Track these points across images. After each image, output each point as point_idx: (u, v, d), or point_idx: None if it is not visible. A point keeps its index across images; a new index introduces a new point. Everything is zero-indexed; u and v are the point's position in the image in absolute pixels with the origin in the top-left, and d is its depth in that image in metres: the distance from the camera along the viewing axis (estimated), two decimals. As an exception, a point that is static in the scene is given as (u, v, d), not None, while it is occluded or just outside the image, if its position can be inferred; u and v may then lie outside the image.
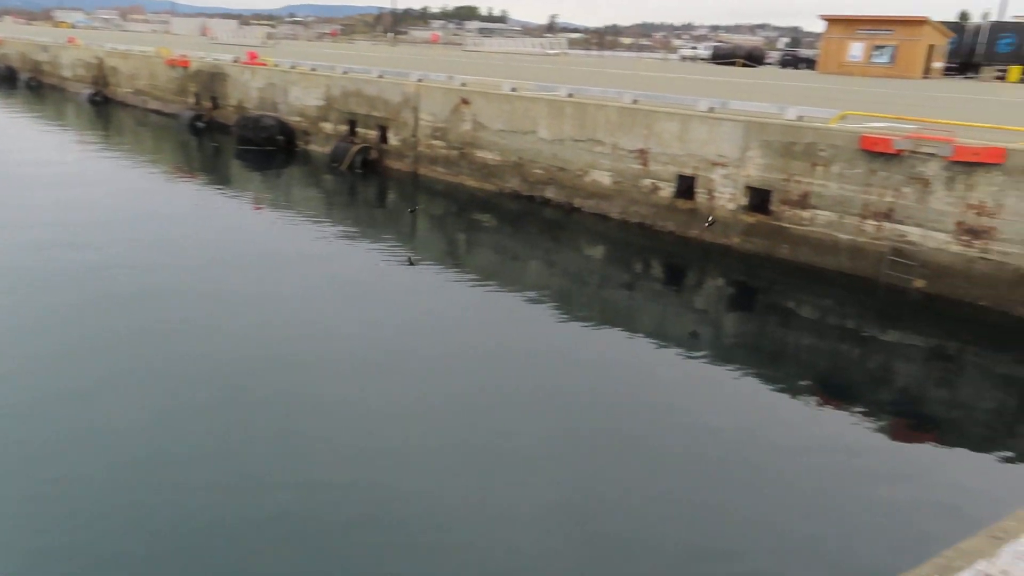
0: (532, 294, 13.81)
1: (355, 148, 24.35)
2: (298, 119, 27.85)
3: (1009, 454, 9.13)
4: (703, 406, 9.79)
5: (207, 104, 32.84)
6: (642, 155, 17.83)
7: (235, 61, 32.17)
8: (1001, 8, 59.98)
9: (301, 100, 27.71)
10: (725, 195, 16.41)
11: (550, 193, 19.99)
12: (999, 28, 55.10)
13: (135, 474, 7.37)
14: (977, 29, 56.42)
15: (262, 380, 9.56)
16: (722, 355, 11.76)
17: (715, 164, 16.50)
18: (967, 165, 13.03)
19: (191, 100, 33.87)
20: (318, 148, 26.83)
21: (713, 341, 12.63)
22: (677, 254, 16.89)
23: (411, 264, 9.09)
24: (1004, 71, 51.84)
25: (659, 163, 17.55)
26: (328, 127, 26.69)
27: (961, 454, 9.00)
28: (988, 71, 53.26)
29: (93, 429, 8.18)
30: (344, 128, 26.02)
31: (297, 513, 6.90)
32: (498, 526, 6.92)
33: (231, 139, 28.48)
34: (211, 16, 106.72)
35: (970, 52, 55.26)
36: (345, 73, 26.76)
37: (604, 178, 18.70)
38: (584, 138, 18.99)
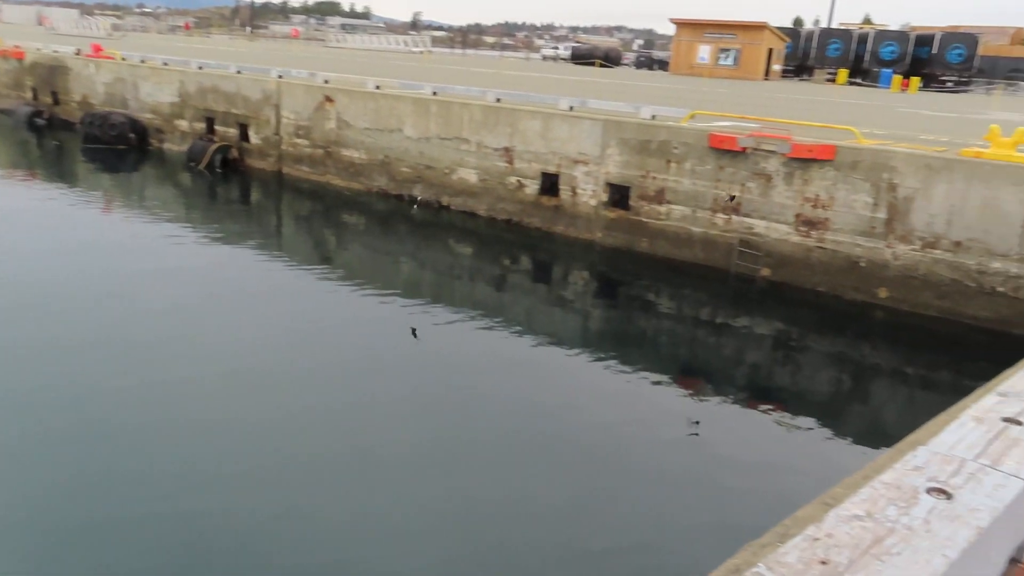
0: (403, 293, 13.79)
1: (214, 147, 23.29)
2: (151, 116, 26.30)
3: (844, 426, 10.08)
4: (572, 396, 10.17)
5: (46, 100, 30.34)
6: (507, 153, 18.17)
7: (77, 53, 29.93)
8: (830, 16, 65.33)
9: (153, 96, 26.18)
10: (587, 191, 17.02)
11: (418, 191, 19.98)
12: (828, 34, 60.08)
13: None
14: (810, 35, 61.22)
15: (119, 398, 9.02)
16: (589, 346, 12.23)
17: (577, 162, 17.08)
18: (803, 161, 14.19)
19: (28, 95, 31.18)
20: (174, 147, 25.46)
21: (580, 333, 13.11)
22: (544, 249, 17.35)
23: (415, 336, 8.68)
24: (834, 73, 56.63)
25: (524, 161, 17.95)
26: (184, 125, 25.39)
27: (803, 429, 9.84)
28: (820, 74, 58.01)
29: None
30: (201, 126, 24.83)
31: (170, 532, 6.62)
32: (374, 534, 6.92)
33: (76, 137, 26.50)
34: (48, 4, 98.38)
35: (805, 56, 59.85)
36: (201, 68, 25.54)
37: (471, 176, 18.91)
38: (450, 136, 19.12)
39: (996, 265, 12.63)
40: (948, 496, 1.95)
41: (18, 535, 6.41)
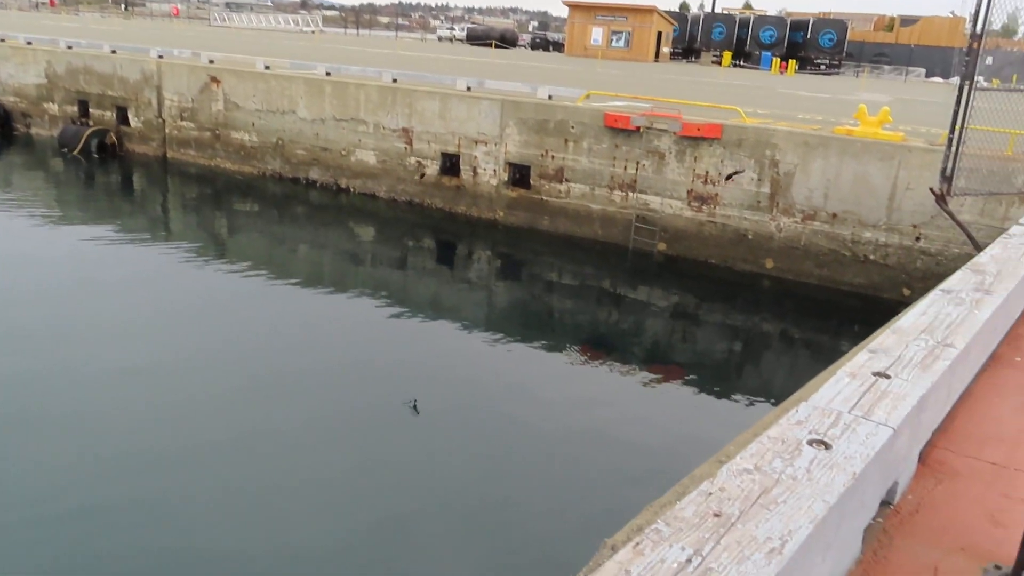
0: (303, 279, 13.49)
1: (89, 131, 21.92)
2: (14, 99, 24.46)
3: (737, 388, 10.64)
4: (477, 372, 10.27)
5: None
6: (406, 134, 17.97)
7: (-76, 30, 27.38)
8: (714, 1, 67.61)
9: (16, 78, 24.33)
10: (488, 171, 17.08)
11: (315, 174, 19.50)
12: (712, 19, 62.18)
13: None
14: (696, 19, 63.16)
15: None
16: (494, 323, 12.35)
17: (476, 142, 17.09)
18: (693, 139, 14.71)
19: None
20: (43, 132, 23.80)
21: (485, 311, 13.21)
22: (446, 230, 17.32)
23: (416, 411, 8.28)
24: (719, 56, 58.75)
25: (423, 141, 17.81)
26: (53, 108, 23.74)
27: (700, 393, 10.32)
28: (706, 56, 60.06)
29: None
30: (74, 109, 23.29)
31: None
32: (261, 514, 6.82)
33: (-72, 123, 24.34)
34: None
35: (691, 39, 61.72)
36: (71, 48, 23.90)
37: (369, 157, 18.61)
38: (346, 118, 18.73)
39: (867, 235, 13.54)
40: (827, 446, 2.12)
41: None
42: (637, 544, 1.66)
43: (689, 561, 1.61)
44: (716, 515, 1.79)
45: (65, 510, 6.55)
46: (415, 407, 7.49)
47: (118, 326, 10.61)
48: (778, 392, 9.36)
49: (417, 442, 8.18)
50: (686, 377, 10.81)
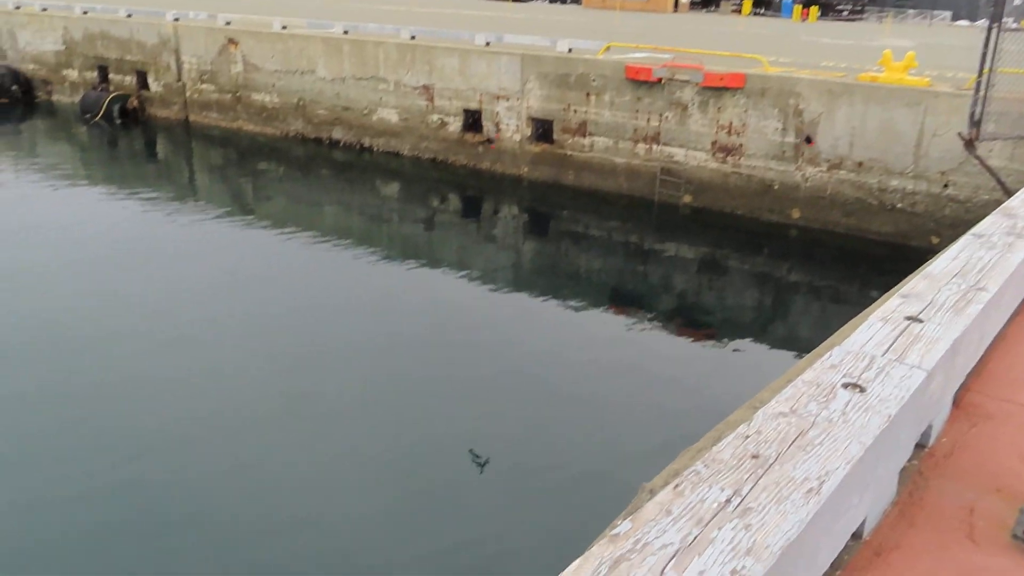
0: (330, 240, 13.62)
1: (109, 96, 22.01)
2: (34, 67, 24.58)
3: (767, 337, 10.70)
4: (509, 330, 10.39)
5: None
6: (427, 91, 17.87)
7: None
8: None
9: (34, 45, 24.41)
10: (510, 127, 16.98)
11: (338, 134, 19.50)
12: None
13: None
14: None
15: (32, 361, 8.73)
16: (521, 279, 12.45)
17: (498, 97, 16.96)
18: (716, 90, 14.49)
19: None
20: (64, 98, 23.95)
21: (512, 267, 13.29)
22: (471, 187, 17.32)
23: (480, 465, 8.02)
24: (739, 4, 57.26)
25: (444, 98, 17.70)
26: (73, 75, 23.84)
27: (731, 343, 10.40)
28: (726, 5, 58.60)
29: None
30: (93, 75, 23.37)
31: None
32: (320, 477, 7.03)
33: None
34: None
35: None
36: (86, 13, 23.88)
37: (391, 116, 18.56)
38: (366, 76, 18.64)
39: (894, 183, 13.35)
40: (862, 390, 2.18)
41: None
42: (677, 485, 1.71)
43: (728, 501, 1.66)
44: (754, 457, 1.85)
45: (103, 480, 6.79)
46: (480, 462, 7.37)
47: (146, 292, 10.82)
48: (807, 341, 9.39)
49: (449, 400, 8.35)
50: (715, 328, 10.87)
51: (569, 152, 16.37)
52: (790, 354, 9.73)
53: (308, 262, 12.57)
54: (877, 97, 13.23)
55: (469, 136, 17.54)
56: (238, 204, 16.41)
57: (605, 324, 10.79)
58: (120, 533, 6.08)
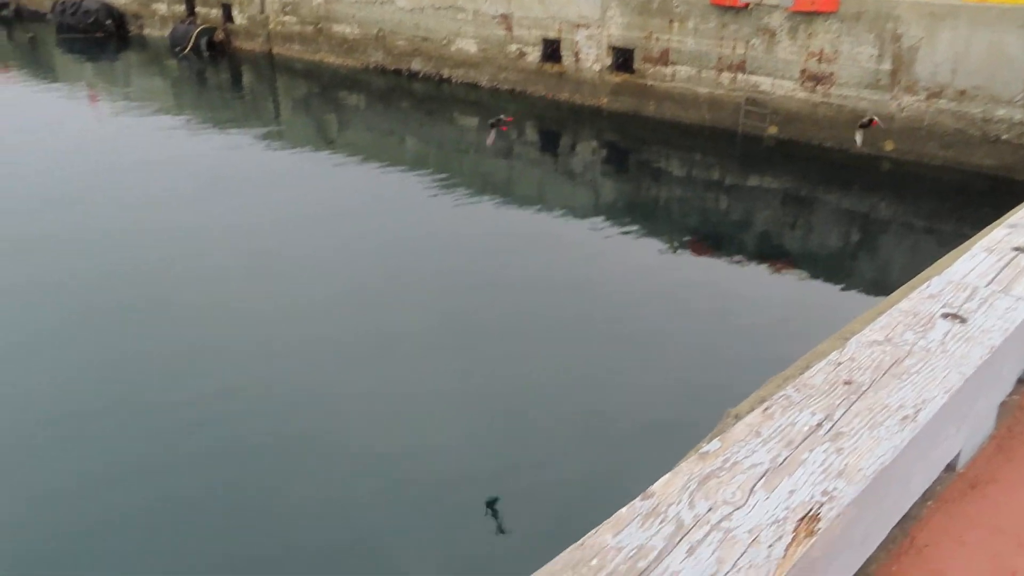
0: (409, 171, 13.78)
1: (197, 30, 22.50)
2: (126, 1, 25.25)
3: (855, 274, 10.42)
4: (588, 263, 10.40)
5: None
6: (505, 20, 17.58)
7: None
8: None
9: (127, -21, 25.03)
10: (590, 56, 16.60)
11: (417, 65, 19.48)
12: None
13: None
14: None
15: (127, 287, 9.21)
16: (601, 212, 12.37)
17: (578, 26, 16.55)
18: (806, 15, 13.76)
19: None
20: (155, 32, 24.59)
21: (591, 202, 13.21)
22: (550, 118, 17.13)
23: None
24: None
25: (523, 28, 17.39)
26: (163, 8, 24.40)
27: (817, 279, 10.20)
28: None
29: None
30: (181, 8, 23.87)
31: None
32: (398, 411, 7.27)
33: (50, 28, 25.55)
34: None
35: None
36: (174, -55, 24.24)
37: (470, 46, 18.38)
38: (445, 6, 18.43)
39: (1001, 112, 12.52)
40: (962, 320, 2.12)
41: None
42: (767, 408, 1.70)
43: (820, 425, 1.64)
44: (847, 383, 1.84)
45: (202, 388, 7.26)
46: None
47: (230, 221, 11.20)
48: (897, 276, 9.09)
49: (530, 333, 8.48)
50: (799, 263, 10.63)
51: (650, 82, 15.93)
52: (879, 289, 9.45)
53: (387, 194, 12.78)
54: (986, 19, 12.31)
55: (548, 66, 17.25)
56: (321, 135, 16.72)
57: (686, 258, 10.68)
58: (219, 442, 6.53)
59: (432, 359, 7.83)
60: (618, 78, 16.34)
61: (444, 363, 7.74)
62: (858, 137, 12.20)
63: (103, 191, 12.23)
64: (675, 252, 10.85)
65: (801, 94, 14.28)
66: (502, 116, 11.78)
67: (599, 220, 11.92)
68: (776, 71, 14.41)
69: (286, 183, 13.07)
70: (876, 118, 12.27)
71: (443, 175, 13.82)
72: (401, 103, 18.56)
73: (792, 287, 9.93)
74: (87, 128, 16.43)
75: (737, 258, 10.65)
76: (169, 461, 6.25)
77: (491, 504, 5.84)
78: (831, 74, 13.86)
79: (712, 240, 11.35)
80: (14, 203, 11.58)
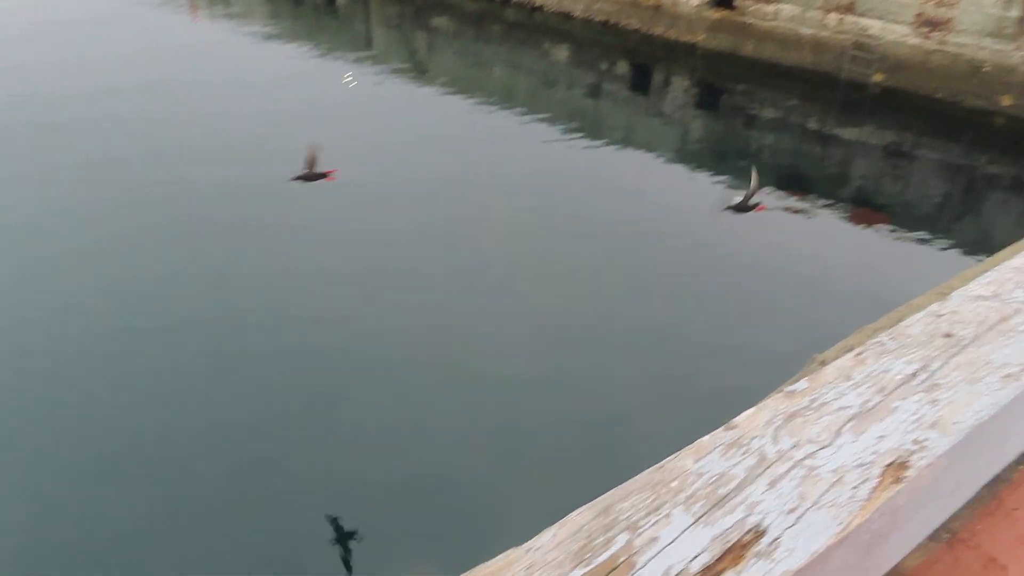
0: (497, 103, 13.67)
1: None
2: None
3: (958, 232, 9.94)
4: (673, 208, 10.22)
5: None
6: (604, -52, 16.96)
7: None
8: None
9: None
10: (690, -10, 15.92)
11: (508, -8, 19.08)
12: None
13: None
14: None
15: (220, 197, 9.55)
16: (689, 155, 12.06)
17: (680, -44, 15.84)
18: (934, -49, 12.78)
19: None
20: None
21: (680, 142, 12.87)
22: (642, 53, 16.61)
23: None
24: None
25: (622, -44, 16.76)
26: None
27: (916, 235, 9.77)
28: None
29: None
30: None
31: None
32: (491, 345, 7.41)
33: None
34: None
35: None
36: None
37: (565, -25, 17.86)
38: (543, -70, 17.88)
39: None
40: (1082, 280, 2.00)
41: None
42: (859, 353, 1.68)
43: (915, 375, 1.59)
44: (947, 336, 1.77)
45: (294, 302, 7.53)
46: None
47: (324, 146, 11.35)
48: (1001, 237, 8.61)
49: (618, 272, 8.45)
50: (898, 217, 10.19)
51: (751, 20, 15.19)
52: (980, 248, 9.01)
53: (474, 124, 12.75)
54: None
55: (645, -2, 16.62)
56: (411, 61, 16.68)
57: (777, 207, 10.34)
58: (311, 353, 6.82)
59: (518, 293, 7.92)
60: (717, 14, 15.64)
61: (533, 297, 7.83)
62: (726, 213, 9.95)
63: (196, 111, 12.57)
64: (765, 200, 10.50)
65: (913, 40, 13.39)
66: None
67: (688, 164, 11.62)
68: (888, 14, 13.52)
69: (372, 108, 13.16)
70: (763, 204, 8.84)
71: (529, 108, 13.65)
72: (492, 29, 18.28)
73: (887, 241, 9.55)
74: (187, 45, 16.83)
75: (831, 209, 10.26)
76: (266, 373, 6.59)
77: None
78: (950, 20, 12.92)
79: (805, 189, 10.94)
80: (111, 125, 12.06)
